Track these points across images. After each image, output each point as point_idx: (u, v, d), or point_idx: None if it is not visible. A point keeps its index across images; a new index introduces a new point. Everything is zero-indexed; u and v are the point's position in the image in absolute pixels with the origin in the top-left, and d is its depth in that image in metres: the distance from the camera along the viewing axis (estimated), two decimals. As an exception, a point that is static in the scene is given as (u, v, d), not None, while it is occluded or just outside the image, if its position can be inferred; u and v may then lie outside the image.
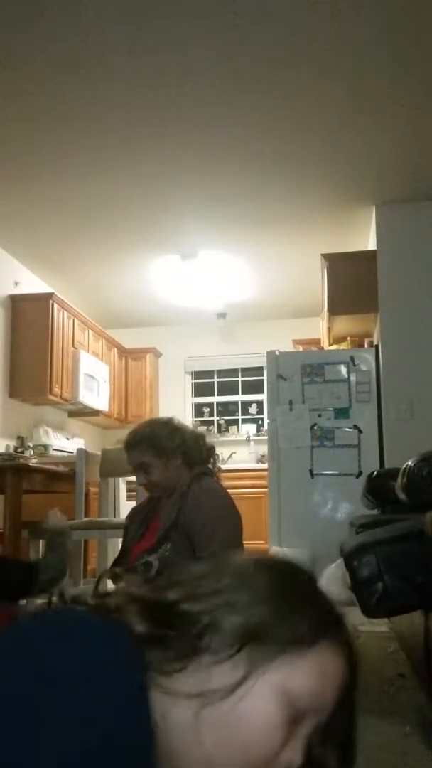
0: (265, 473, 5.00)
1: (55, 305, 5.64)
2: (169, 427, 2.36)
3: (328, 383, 4.66)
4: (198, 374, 7.66)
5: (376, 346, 4.75)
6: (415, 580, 1.63)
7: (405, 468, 1.89)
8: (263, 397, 7.11)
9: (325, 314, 5.21)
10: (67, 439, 6.19)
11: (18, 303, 5.57)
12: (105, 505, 4.03)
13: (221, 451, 7.20)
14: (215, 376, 7.63)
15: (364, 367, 4.66)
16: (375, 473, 3.30)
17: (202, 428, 7.39)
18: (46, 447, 5.62)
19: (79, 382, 5.89)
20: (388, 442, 4.50)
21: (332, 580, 3.81)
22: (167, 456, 2.29)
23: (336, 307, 4.93)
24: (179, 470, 2.31)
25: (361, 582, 1.69)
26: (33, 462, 4.89)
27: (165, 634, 0.67)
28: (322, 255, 5.04)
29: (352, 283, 4.83)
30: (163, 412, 7.46)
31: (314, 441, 4.61)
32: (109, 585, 0.80)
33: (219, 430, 7.46)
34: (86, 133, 3.77)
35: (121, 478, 4.29)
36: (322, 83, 3.37)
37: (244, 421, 7.49)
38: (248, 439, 7.23)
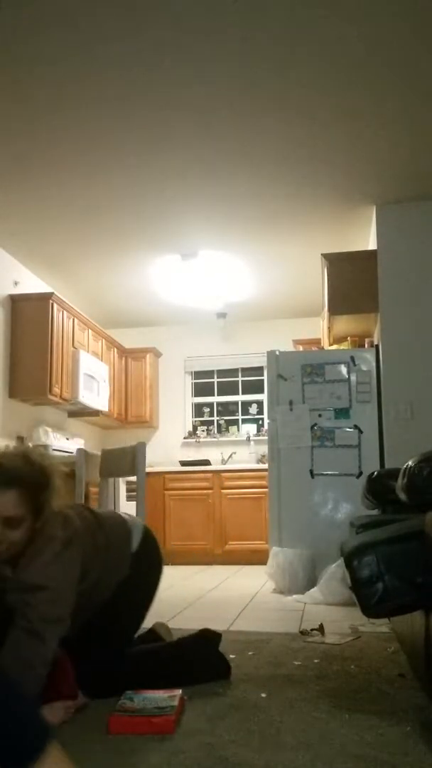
0: (265, 473, 5.00)
1: (55, 305, 5.64)
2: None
3: (328, 383, 4.66)
4: (198, 374, 7.66)
5: (377, 346, 4.75)
6: (415, 580, 1.63)
7: (405, 468, 1.89)
8: (263, 397, 7.12)
9: (326, 314, 5.21)
10: (67, 439, 6.19)
11: (18, 303, 5.57)
12: (105, 505, 4.02)
13: (222, 451, 7.21)
14: (215, 376, 7.62)
15: (365, 367, 4.66)
16: (375, 473, 3.30)
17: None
18: (45, 447, 5.61)
19: (79, 382, 5.89)
20: (388, 442, 4.50)
21: (332, 580, 3.81)
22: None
23: (336, 307, 4.93)
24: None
25: (361, 582, 1.68)
26: (33, 462, 4.89)
27: None
28: (322, 255, 5.04)
29: (352, 283, 4.83)
30: (163, 412, 7.47)
31: (314, 441, 4.61)
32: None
33: (219, 430, 7.46)
34: (87, 133, 3.78)
35: (121, 478, 4.28)
36: (322, 83, 3.37)
37: (244, 421, 7.49)
38: (248, 439, 7.23)
